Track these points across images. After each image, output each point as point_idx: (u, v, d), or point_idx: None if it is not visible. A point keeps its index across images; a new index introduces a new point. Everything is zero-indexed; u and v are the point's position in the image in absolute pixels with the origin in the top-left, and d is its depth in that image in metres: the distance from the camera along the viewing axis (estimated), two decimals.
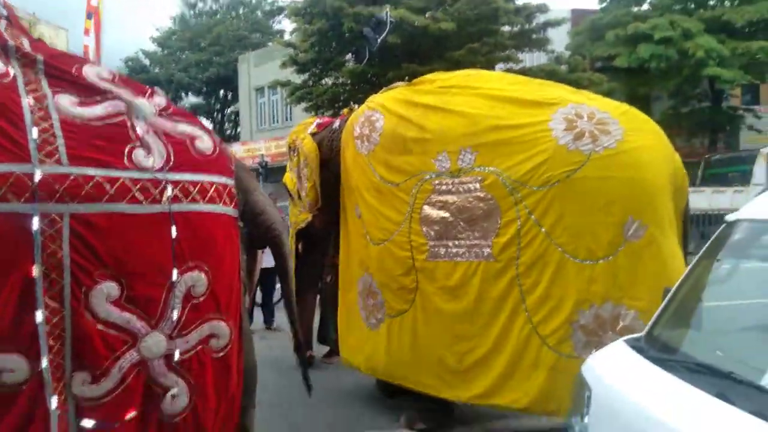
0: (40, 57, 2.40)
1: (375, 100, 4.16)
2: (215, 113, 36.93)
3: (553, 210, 3.24)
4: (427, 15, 15.72)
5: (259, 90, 28.68)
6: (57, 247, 2.17)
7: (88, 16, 9.97)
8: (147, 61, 34.87)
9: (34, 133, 2.20)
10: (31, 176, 2.14)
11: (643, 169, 3.24)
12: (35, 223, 2.13)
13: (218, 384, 2.53)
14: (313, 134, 4.64)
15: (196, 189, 2.48)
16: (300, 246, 5.14)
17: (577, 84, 11.32)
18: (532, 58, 18.62)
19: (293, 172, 4.89)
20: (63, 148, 2.23)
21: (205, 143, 2.63)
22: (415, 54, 16.01)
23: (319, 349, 5.68)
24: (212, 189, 2.54)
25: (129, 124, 2.44)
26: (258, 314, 7.13)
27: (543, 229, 3.25)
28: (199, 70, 33.02)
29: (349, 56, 17.98)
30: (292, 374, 4.97)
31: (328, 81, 18.42)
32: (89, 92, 2.44)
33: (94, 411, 2.27)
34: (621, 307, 3.16)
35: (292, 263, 3.22)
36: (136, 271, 2.33)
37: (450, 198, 3.53)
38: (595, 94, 4.07)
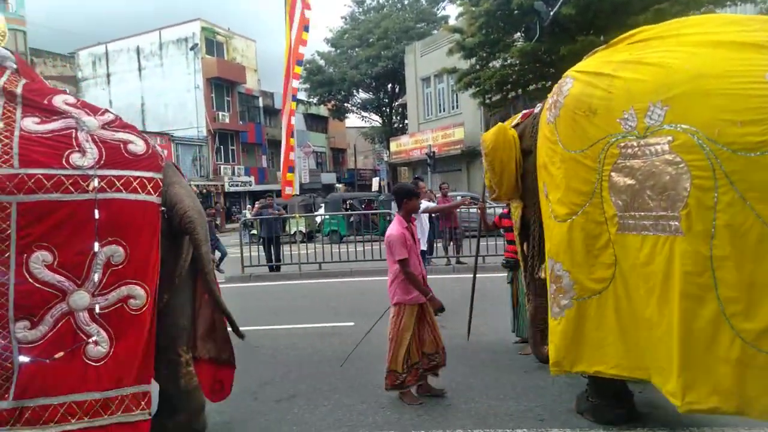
0: (19, 91, 3.28)
1: (572, 68, 3.75)
2: (384, 107, 37.97)
3: (764, 182, 2.68)
4: None
5: (426, 80, 28.88)
6: (6, 226, 2.98)
7: (305, 29, 10.98)
8: (322, 62, 36.86)
9: None
10: None
11: None
12: None
13: (136, 337, 3.15)
14: (516, 125, 4.37)
15: (121, 182, 3.16)
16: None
17: None
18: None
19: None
20: (17, 156, 3.05)
21: (137, 147, 3.32)
22: (591, 24, 14.62)
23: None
24: (136, 182, 3.20)
25: (74, 135, 3.20)
26: None
27: (749, 204, 2.69)
28: (368, 66, 34.14)
29: (517, 35, 17.10)
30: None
31: (496, 64, 17.75)
32: (50, 114, 3.26)
33: (30, 351, 3.00)
34: None
35: (207, 249, 3.51)
36: (65, 243, 3.05)
37: (636, 162, 3.09)
38: None
